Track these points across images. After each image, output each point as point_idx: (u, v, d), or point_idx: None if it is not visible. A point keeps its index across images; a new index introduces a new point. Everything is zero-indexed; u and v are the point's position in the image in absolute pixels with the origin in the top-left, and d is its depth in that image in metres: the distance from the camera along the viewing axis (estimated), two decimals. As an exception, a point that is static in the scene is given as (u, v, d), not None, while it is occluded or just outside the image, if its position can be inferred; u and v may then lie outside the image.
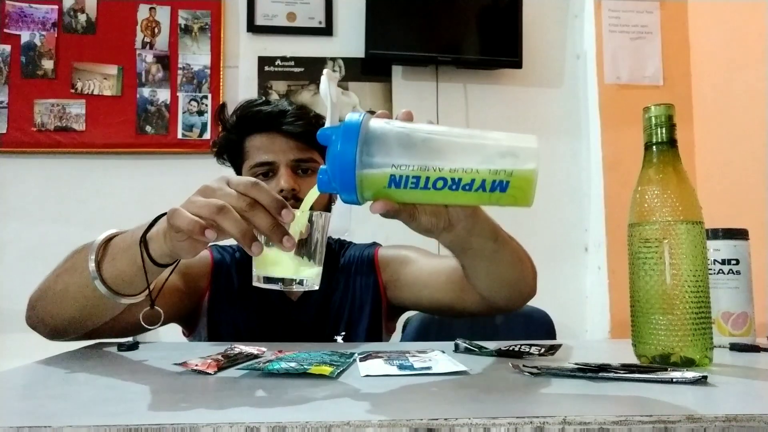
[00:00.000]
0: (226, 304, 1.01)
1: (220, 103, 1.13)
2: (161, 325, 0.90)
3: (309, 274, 0.62)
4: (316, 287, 0.63)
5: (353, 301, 1.05)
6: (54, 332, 0.77)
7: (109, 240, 0.69)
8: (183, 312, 0.98)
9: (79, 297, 0.70)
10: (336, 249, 1.13)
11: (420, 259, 1.04)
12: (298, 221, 0.60)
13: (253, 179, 0.58)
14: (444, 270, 0.94)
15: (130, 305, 0.71)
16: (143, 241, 0.63)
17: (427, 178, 0.53)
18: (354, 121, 0.53)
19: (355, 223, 1.72)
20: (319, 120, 1.05)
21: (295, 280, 0.60)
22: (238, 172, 1.05)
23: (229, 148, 1.05)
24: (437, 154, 0.53)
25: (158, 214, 0.64)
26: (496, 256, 0.77)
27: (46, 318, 0.76)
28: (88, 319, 0.74)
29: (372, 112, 0.58)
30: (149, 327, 0.69)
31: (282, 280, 0.60)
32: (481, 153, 0.53)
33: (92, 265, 0.67)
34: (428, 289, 0.98)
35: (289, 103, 1.04)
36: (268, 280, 0.60)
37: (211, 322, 1.00)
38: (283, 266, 0.60)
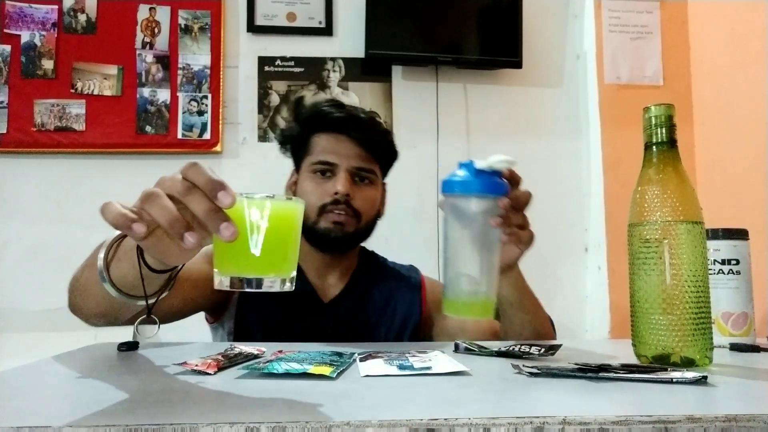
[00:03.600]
0: (257, 298, 0.99)
1: (298, 95, 1.15)
2: (192, 313, 0.94)
3: (274, 273, 0.53)
4: (287, 289, 0.55)
5: (392, 321, 1.05)
6: (88, 321, 0.76)
7: (123, 238, 0.64)
8: (215, 300, 0.97)
9: (99, 295, 0.66)
10: (372, 260, 1.13)
11: None
12: (263, 211, 0.52)
13: (193, 161, 0.51)
14: (486, 325, 1.00)
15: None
16: (139, 246, 0.58)
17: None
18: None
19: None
20: (388, 134, 1.07)
21: (258, 279, 0.52)
22: (298, 164, 1.05)
23: (294, 140, 1.06)
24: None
25: None
26: (521, 305, 0.89)
27: (77, 308, 0.74)
28: (114, 313, 0.71)
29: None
30: (140, 334, 0.66)
31: (244, 280, 0.52)
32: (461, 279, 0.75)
33: (100, 263, 0.63)
34: (466, 335, 0.98)
35: (362, 111, 1.04)
36: (232, 281, 0.52)
37: (240, 314, 1.00)
38: (243, 263, 0.52)
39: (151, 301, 0.64)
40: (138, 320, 0.64)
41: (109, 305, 0.67)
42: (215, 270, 0.53)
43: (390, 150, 1.07)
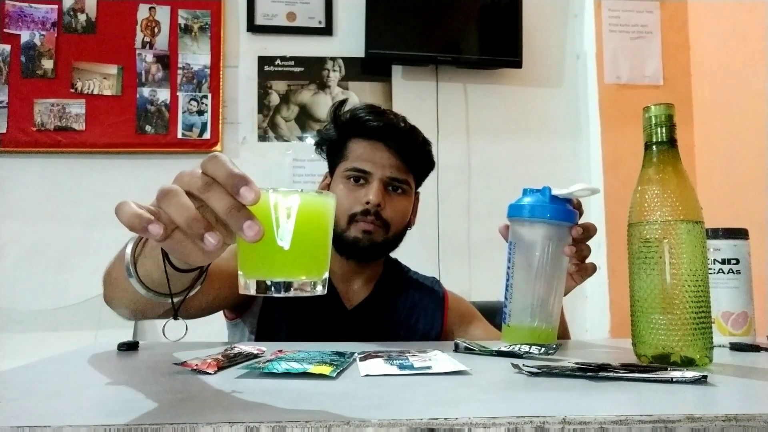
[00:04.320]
0: (285, 303, 0.99)
1: (341, 99, 1.12)
2: (222, 309, 0.96)
3: (307, 275, 0.48)
4: (319, 293, 0.50)
5: (413, 333, 1.05)
6: (121, 314, 0.73)
7: None
8: (241, 298, 0.96)
9: (130, 288, 0.61)
10: (396, 269, 1.13)
11: (484, 325, 1.09)
12: (291, 208, 0.47)
13: (215, 153, 0.48)
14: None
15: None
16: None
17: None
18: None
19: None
20: (427, 145, 1.06)
21: (289, 283, 0.48)
22: (332, 169, 1.05)
23: (331, 143, 1.05)
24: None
25: None
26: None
27: (110, 301, 0.72)
28: (145, 308, 0.68)
29: None
30: (176, 339, 0.63)
31: (273, 285, 0.47)
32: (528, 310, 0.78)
33: (128, 259, 0.59)
34: None
35: (402, 120, 1.04)
36: (258, 285, 0.48)
37: (264, 313, 1.00)
38: (271, 265, 0.47)
39: (178, 299, 0.60)
40: (164, 323, 0.61)
41: (139, 301, 0.64)
42: (239, 272, 0.49)
43: (426, 161, 1.07)
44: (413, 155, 1.02)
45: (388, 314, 1.05)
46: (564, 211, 0.77)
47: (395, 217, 0.99)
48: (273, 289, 0.47)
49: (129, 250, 0.59)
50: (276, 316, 1.00)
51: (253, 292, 0.48)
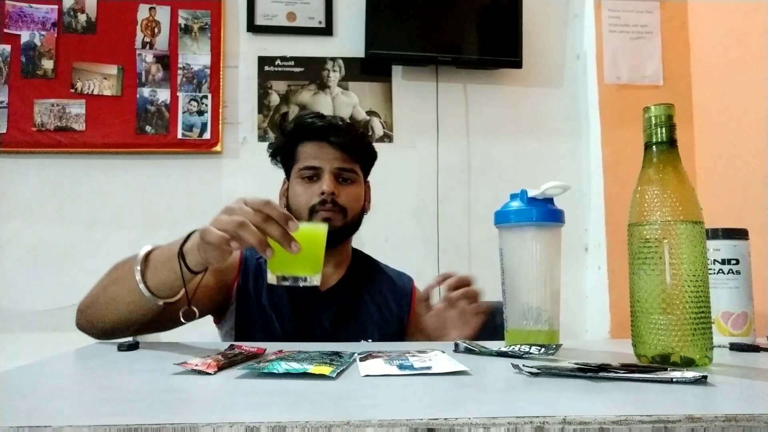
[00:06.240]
0: (254, 291, 1.10)
1: (282, 112, 1.30)
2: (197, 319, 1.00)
3: (311, 273, 0.79)
4: (317, 283, 0.80)
5: (383, 318, 1.14)
6: (103, 333, 0.88)
7: (148, 255, 0.82)
8: (215, 306, 1.09)
9: (128, 302, 0.83)
10: (367, 260, 1.23)
11: None
12: (307, 233, 0.76)
13: (265, 199, 0.73)
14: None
15: (168, 305, 0.84)
16: (181, 254, 0.77)
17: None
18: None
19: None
20: (365, 136, 1.21)
21: (301, 277, 0.78)
22: (288, 173, 1.18)
23: (283, 151, 1.18)
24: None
25: (188, 232, 0.80)
26: None
27: (97, 322, 0.87)
28: (134, 320, 0.85)
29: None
30: (186, 322, 0.82)
31: (291, 278, 0.78)
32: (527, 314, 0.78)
33: (138, 276, 0.80)
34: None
35: (340, 119, 1.17)
36: (280, 278, 0.77)
37: (240, 307, 1.09)
38: (291, 267, 0.77)
39: (179, 296, 0.83)
40: (182, 310, 0.81)
41: (135, 310, 0.83)
42: (269, 270, 0.77)
43: (368, 150, 1.19)
44: (355, 146, 1.14)
45: (359, 294, 1.15)
46: (546, 212, 0.78)
47: (350, 202, 1.11)
48: (291, 281, 0.77)
49: (138, 267, 0.80)
50: (251, 306, 1.09)
51: (275, 282, 0.77)
